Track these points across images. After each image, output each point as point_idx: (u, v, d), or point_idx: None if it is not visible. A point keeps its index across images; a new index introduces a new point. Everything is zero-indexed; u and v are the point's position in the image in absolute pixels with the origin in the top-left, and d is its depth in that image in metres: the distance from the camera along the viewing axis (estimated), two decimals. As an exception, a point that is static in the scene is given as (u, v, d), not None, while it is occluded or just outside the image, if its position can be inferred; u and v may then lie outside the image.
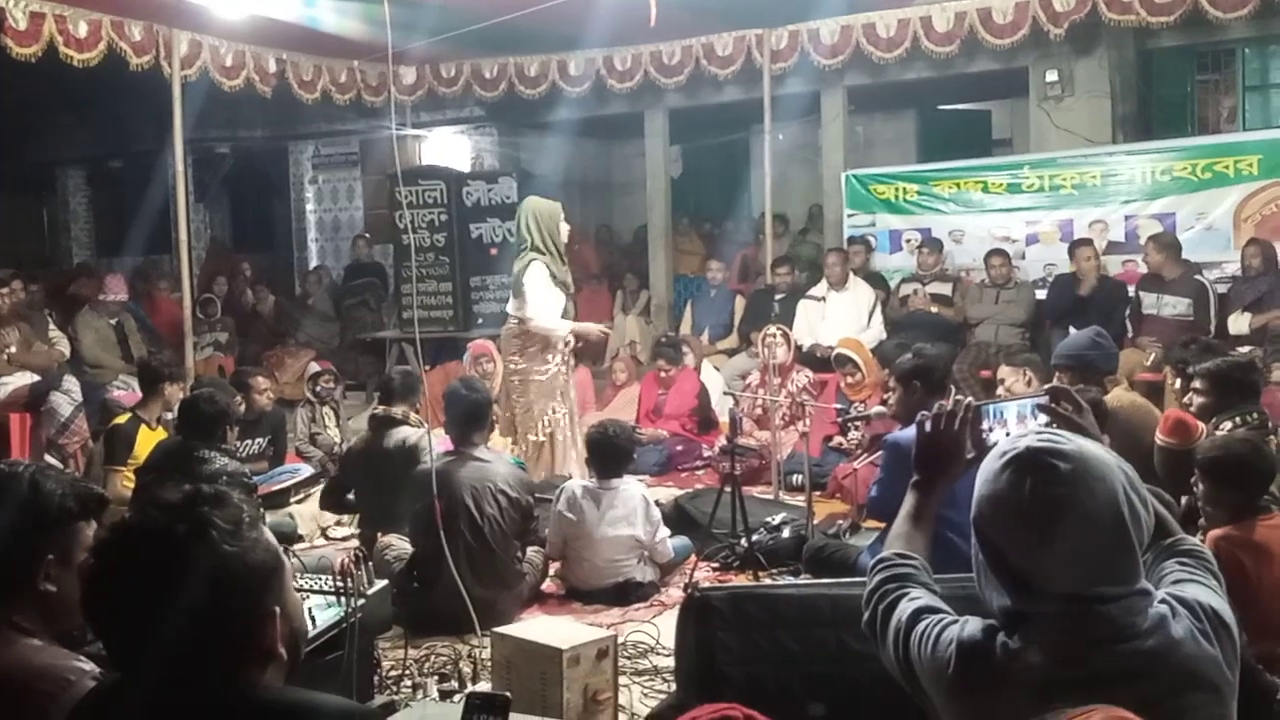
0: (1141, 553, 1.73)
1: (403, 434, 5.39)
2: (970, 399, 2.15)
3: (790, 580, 4.85)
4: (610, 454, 5.08)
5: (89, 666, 1.97)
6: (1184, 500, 3.90)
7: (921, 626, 1.83)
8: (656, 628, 4.28)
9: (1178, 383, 5.27)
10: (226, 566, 1.50)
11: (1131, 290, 7.89)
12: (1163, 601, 1.75)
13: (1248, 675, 1.90)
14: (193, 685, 1.50)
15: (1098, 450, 1.76)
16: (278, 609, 1.56)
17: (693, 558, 5.23)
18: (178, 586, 1.48)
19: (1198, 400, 4.54)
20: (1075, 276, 8.02)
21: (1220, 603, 1.78)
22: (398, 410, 5.53)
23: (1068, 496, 1.68)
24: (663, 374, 8.13)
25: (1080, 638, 1.69)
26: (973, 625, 1.78)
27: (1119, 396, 4.86)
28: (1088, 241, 8.13)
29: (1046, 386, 2.18)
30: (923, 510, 2.08)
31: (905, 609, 1.87)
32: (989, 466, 1.78)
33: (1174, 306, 7.59)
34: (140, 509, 1.55)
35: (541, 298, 6.11)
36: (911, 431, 4.19)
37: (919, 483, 2.11)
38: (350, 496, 5.81)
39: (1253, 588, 3.11)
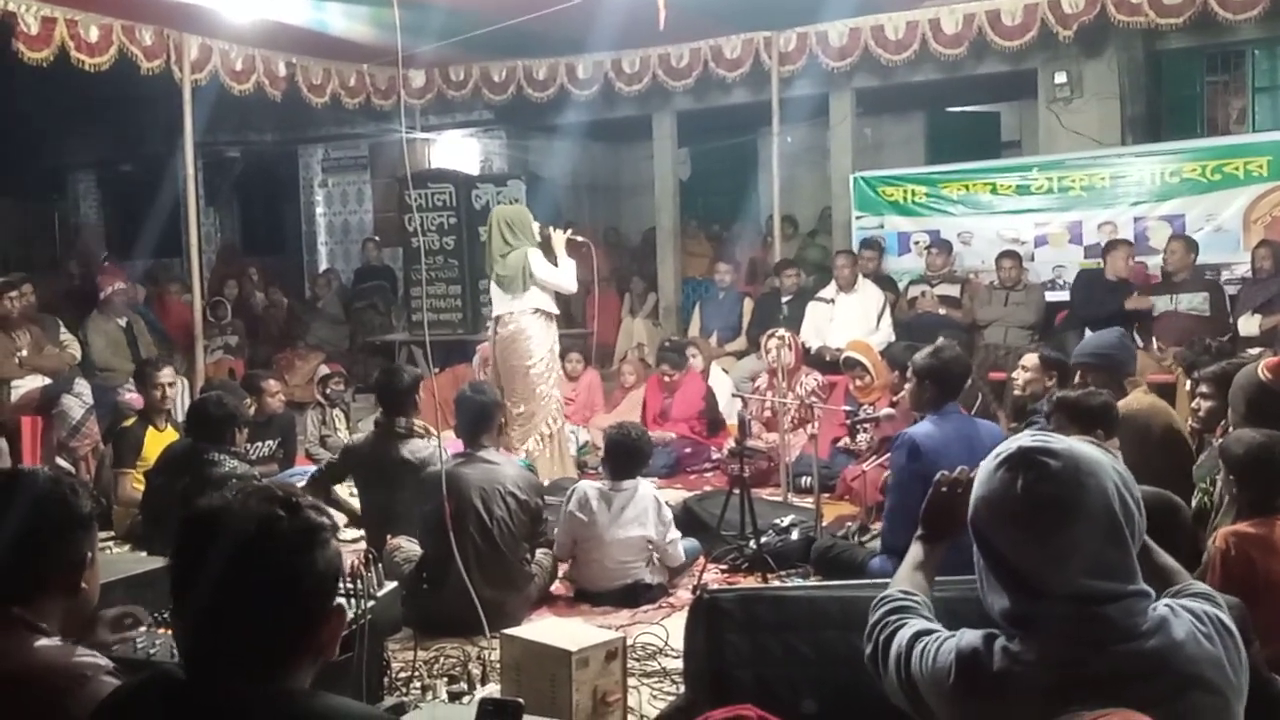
0: (1135, 550, 1.75)
1: (412, 447, 5.33)
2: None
3: (799, 582, 4.85)
4: (628, 455, 5.09)
5: (104, 662, 2.00)
6: (1194, 501, 3.90)
7: (921, 645, 1.87)
8: (665, 629, 4.28)
9: (1189, 384, 5.23)
10: (317, 561, 1.59)
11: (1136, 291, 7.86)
12: (1165, 605, 1.76)
13: (1258, 683, 1.90)
14: (251, 676, 1.54)
15: (1090, 449, 1.79)
16: (342, 605, 1.64)
17: (701, 559, 5.23)
18: (278, 575, 1.55)
19: (1205, 405, 4.52)
20: (1103, 276, 7.92)
21: (1225, 616, 1.79)
22: (400, 423, 5.44)
23: (1059, 493, 1.71)
24: (666, 379, 8.11)
25: (1081, 639, 1.70)
26: (971, 635, 1.81)
27: (1139, 399, 4.85)
28: (1125, 243, 8.04)
29: None
30: (927, 561, 2.15)
31: (905, 635, 1.92)
32: (985, 468, 1.82)
33: (1189, 302, 7.58)
34: (243, 498, 1.60)
35: (551, 267, 6.70)
36: (924, 427, 4.27)
37: (925, 536, 2.18)
38: (347, 492, 5.83)
39: (1262, 586, 3.09)
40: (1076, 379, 5.10)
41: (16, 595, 2.02)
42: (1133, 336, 7.59)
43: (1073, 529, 1.69)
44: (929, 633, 1.88)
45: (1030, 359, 5.64)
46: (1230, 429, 4.05)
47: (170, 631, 2.62)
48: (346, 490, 6.03)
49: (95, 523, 2.18)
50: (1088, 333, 7.15)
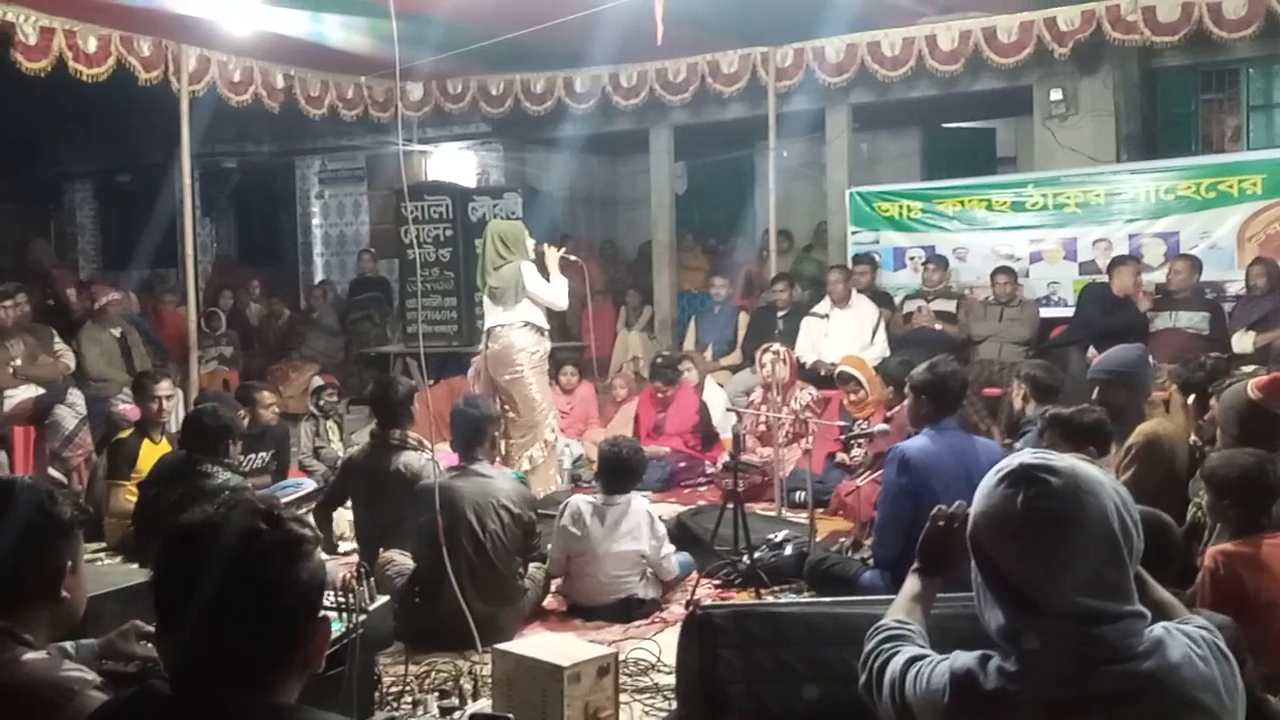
0: (1132, 571, 1.76)
1: (406, 459, 5.33)
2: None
3: (793, 598, 4.84)
4: (621, 470, 5.07)
5: (92, 677, 1.99)
6: (1188, 517, 3.90)
7: (915, 669, 1.87)
8: (658, 645, 4.27)
9: (1189, 400, 5.22)
10: (300, 573, 1.58)
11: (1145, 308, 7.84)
12: (1161, 627, 1.76)
13: (1252, 703, 1.90)
14: (237, 690, 1.53)
15: (1091, 469, 1.80)
16: (327, 617, 1.65)
17: (695, 575, 5.21)
18: (261, 587, 1.55)
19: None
20: (1111, 291, 7.82)
21: (1220, 641, 1.79)
22: (395, 435, 5.45)
23: (1060, 509, 1.71)
24: (659, 395, 8.10)
25: (1076, 659, 1.70)
26: (965, 656, 1.81)
27: (1164, 424, 4.84)
28: (1133, 259, 7.95)
29: None
30: (924, 594, 2.16)
31: (899, 661, 1.93)
32: (985, 484, 1.82)
33: (1189, 320, 7.58)
34: (225, 511, 1.60)
35: (544, 283, 6.81)
36: (917, 441, 4.26)
37: (921, 570, 2.19)
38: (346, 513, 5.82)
39: (1251, 605, 3.09)
40: (1095, 394, 5.07)
41: None
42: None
43: (1072, 546, 1.70)
44: (923, 658, 1.89)
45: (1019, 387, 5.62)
46: (1219, 448, 4.05)
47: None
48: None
49: (77, 531, 2.16)
50: (1091, 350, 7.13)
